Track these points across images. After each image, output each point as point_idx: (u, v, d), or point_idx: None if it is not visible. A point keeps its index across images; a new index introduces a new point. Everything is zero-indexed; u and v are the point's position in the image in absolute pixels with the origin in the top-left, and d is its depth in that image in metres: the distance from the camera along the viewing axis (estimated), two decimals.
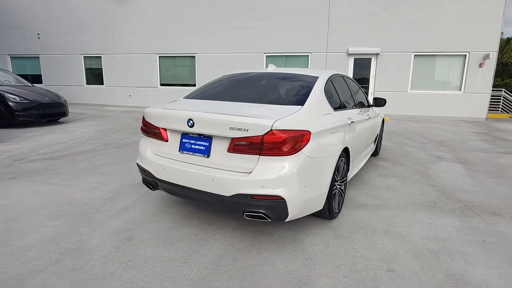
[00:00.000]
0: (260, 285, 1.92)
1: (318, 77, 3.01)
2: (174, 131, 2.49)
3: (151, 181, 2.63)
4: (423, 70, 11.72)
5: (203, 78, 13.17)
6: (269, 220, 2.19)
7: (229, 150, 2.21)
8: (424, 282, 1.98)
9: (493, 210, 3.15)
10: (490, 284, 1.97)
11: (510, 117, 12.97)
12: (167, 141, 2.53)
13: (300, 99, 2.58)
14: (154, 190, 2.71)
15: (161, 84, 13.72)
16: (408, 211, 3.08)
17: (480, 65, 11.21)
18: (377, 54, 11.72)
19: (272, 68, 3.46)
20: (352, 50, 11.75)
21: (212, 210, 2.98)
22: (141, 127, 2.77)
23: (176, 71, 13.64)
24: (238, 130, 2.12)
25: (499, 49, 18.18)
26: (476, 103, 11.49)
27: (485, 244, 2.48)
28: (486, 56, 11.01)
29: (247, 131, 2.10)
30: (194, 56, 13.18)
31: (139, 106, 13.75)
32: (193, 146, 2.38)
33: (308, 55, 12.30)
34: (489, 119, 11.83)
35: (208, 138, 2.32)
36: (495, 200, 3.43)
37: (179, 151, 2.46)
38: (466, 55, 11.27)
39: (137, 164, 2.80)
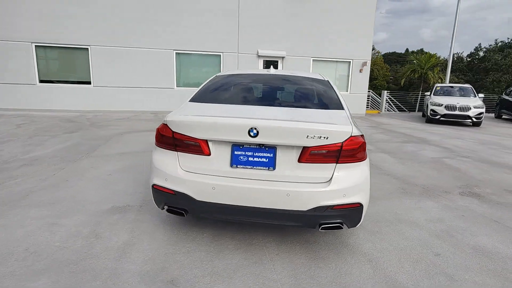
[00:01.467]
0: None
1: (327, 80, 3.07)
2: (221, 142, 2.09)
3: (185, 206, 2.14)
4: (321, 72, 13.39)
5: (101, 75, 11.30)
6: (341, 228, 2.12)
7: (301, 160, 2.02)
8: (468, 260, 2.33)
9: (443, 189, 3.95)
10: (501, 250, 2.49)
11: (379, 112, 16.29)
12: (209, 155, 2.10)
13: (336, 103, 2.58)
14: (186, 215, 2.22)
15: (41, 81, 11.03)
16: (395, 200, 3.52)
17: (360, 71, 13.64)
18: (283, 57, 12.69)
19: (274, 70, 3.32)
20: (261, 52, 12.33)
21: (231, 224, 2.65)
22: (159, 139, 2.21)
23: (63, 65, 11.22)
24: (318, 138, 1.96)
25: (423, 62, 22.27)
26: (359, 102, 13.93)
27: (465, 218, 3.09)
28: (364, 63, 13.48)
29: (327, 138, 1.97)
30: (87, 49, 11.14)
31: (8, 108, 10.67)
32: (251, 159, 2.06)
33: (220, 55, 12.21)
34: (367, 115, 14.55)
35: (272, 149, 2.05)
36: (434, 181, 4.29)
37: (231, 166, 2.08)
38: (350, 62, 13.48)
39: (155, 187, 2.21)
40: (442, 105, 11.11)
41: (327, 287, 1.94)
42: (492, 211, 3.27)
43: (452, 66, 23.07)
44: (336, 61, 13.34)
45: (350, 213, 2.06)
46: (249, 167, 2.05)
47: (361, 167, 2.10)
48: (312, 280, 2.01)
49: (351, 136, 2.00)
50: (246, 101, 2.58)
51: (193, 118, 2.10)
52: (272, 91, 2.79)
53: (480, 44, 36.71)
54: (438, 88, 12.70)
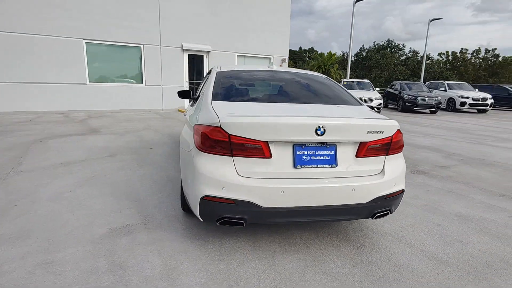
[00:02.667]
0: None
1: (327, 77, 3.22)
2: (282, 143, 1.98)
3: (246, 215, 1.96)
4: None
5: None
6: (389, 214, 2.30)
7: (358, 155, 2.10)
8: (460, 226, 2.84)
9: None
10: (472, 214, 3.12)
11: None
12: (270, 157, 1.97)
13: (352, 100, 2.74)
14: (245, 225, 2.03)
15: None
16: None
17: (280, 66, 14.48)
18: (209, 51, 12.41)
19: (275, 67, 3.26)
20: (186, 46, 11.78)
21: (260, 226, 2.56)
22: (210, 144, 1.95)
23: None
24: (376, 133, 2.07)
25: (325, 60, 23.71)
26: None
27: (431, 192, 3.73)
28: (283, 60, 14.35)
29: (382, 133, 2.10)
30: None
31: None
32: (313, 158, 2.03)
33: (140, 47, 11.11)
34: None
35: (332, 146, 2.06)
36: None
37: (294, 166, 2.00)
38: (271, 57, 14.14)
39: (207, 198, 1.95)
40: None
41: (389, 269, 2.11)
42: (442, 184, 4.04)
43: (343, 63, 26.72)
44: (259, 57, 13.80)
45: (397, 199, 2.27)
46: (313, 166, 2.03)
47: (401, 157, 2.32)
48: (372, 266, 2.14)
49: (398, 129, 2.19)
50: (275, 98, 2.50)
51: (255, 119, 1.94)
52: (293, 88, 2.77)
53: (363, 45, 43.69)
54: (345, 83, 14.55)
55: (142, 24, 10.93)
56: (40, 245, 2.25)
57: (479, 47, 37.26)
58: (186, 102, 12.07)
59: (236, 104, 2.31)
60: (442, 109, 16.63)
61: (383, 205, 2.17)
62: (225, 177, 1.93)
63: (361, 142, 2.10)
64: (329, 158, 2.05)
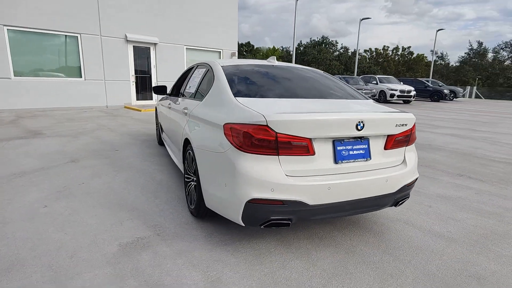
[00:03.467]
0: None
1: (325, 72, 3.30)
2: (323, 139, 1.97)
3: (293, 215, 1.91)
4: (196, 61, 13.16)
5: None
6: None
7: (386, 147, 2.20)
8: (449, 206, 3.19)
9: None
10: (453, 194, 3.53)
11: None
12: (313, 154, 1.94)
13: (358, 94, 2.84)
14: (290, 225, 1.98)
15: None
16: None
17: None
18: (156, 43, 11.64)
19: (277, 62, 3.18)
20: (131, 37, 10.85)
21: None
22: (254, 144, 1.84)
23: None
24: (402, 126, 2.19)
25: (268, 54, 23.38)
26: None
27: (426, 177, 4.11)
28: (233, 54, 14.21)
29: (406, 125, 2.23)
30: None
31: None
32: (351, 152, 2.06)
33: (77, 36, 9.88)
34: None
35: (366, 140, 2.12)
36: None
37: (335, 162, 2.00)
38: (220, 51, 13.88)
39: (254, 201, 1.84)
40: None
41: (414, 252, 2.27)
42: None
43: (283, 58, 27.56)
44: (208, 50, 13.44)
45: (413, 186, 2.45)
46: (352, 160, 2.06)
47: (414, 147, 2.51)
48: (399, 250, 2.28)
49: (415, 122, 2.36)
50: (299, 94, 2.46)
51: (302, 116, 1.87)
52: (309, 84, 2.74)
53: (301, 41, 45.73)
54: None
55: (78, 11, 9.71)
56: (44, 274, 1.87)
57: (397, 45, 42.33)
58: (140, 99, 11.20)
59: (266, 101, 2.22)
60: (375, 100, 18.40)
61: (405, 193, 2.33)
62: (273, 178, 1.84)
63: (388, 135, 2.20)
64: (364, 152, 2.11)
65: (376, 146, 2.18)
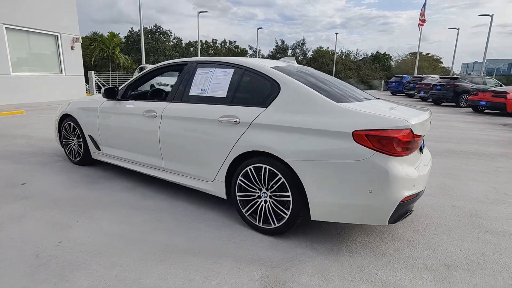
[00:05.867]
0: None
1: None
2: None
3: (414, 203, 2.15)
4: (21, 50, 9.74)
5: None
6: None
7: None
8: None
9: None
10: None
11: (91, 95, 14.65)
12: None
13: (368, 95, 3.21)
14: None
15: None
16: None
17: (72, 48, 11.54)
18: None
19: (293, 61, 3.01)
20: None
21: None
22: (404, 147, 1.94)
23: None
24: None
25: (107, 41, 17.92)
26: (77, 85, 11.93)
27: None
28: (76, 39, 11.52)
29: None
30: None
31: None
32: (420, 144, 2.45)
33: None
34: None
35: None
36: None
37: (421, 153, 2.35)
38: (57, 35, 10.93)
39: (405, 199, 1.95)
40: (168, 85, 12.58)
41: (434, 242, 2.91)
42: None
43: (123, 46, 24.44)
44: (41, 32, 10.31)
45: None
46: (420, 154, 2.46)
47: None
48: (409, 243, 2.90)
49: None
50: (351, 96, 2.55)
51: (421, 118, 2.11)
52: (342, 86, 2.81)
53: (132, 28, 41.02)
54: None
55: None
56: None
57: (224, 39, 46.19)
58: None
59: (363, 105, 2.26)
60: None
61: None
62: (413, 174, 2.01)
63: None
64: (422, 145, 2.56)
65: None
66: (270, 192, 2.25)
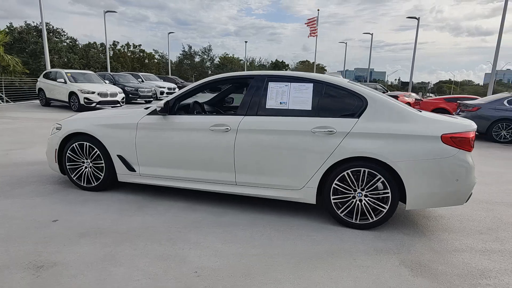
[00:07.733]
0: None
1: None
2: None
3: None
4: None
5: None
6: None
7: None
8: None
9: None
10: None
11: None
12: None
13: None
14: None
15: None
16: None
17: None
18: None
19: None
20: None
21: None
22: (471, 144, 2.52)
23: None
24: None
25: None
26: None
27: None
28: None
29: None
30: None
31: None
32: None
33: None
34: None
35: None
36: None
37: None
38: None
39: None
40: (94, 92, 11.20)
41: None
42: None
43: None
44: None
45: None
46: None
47: None
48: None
49: None
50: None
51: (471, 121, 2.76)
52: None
53: (11, 22, 33.09)
54: (69, 74, 12.05)
55: None
56: None
57: (128, 42, 42.36)
58: None
59: (426, 113, 2.81)
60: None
61: None
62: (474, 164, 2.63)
63: None
64: None
65: None
66: (366, 192, 2.58)
